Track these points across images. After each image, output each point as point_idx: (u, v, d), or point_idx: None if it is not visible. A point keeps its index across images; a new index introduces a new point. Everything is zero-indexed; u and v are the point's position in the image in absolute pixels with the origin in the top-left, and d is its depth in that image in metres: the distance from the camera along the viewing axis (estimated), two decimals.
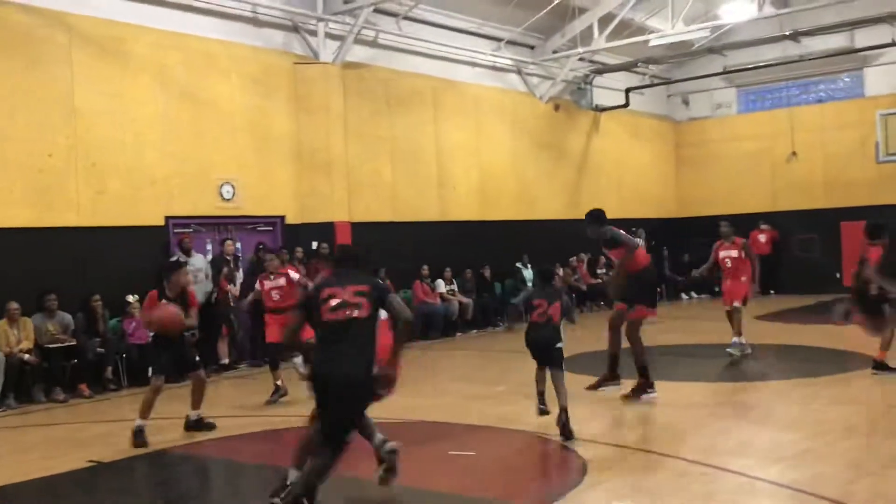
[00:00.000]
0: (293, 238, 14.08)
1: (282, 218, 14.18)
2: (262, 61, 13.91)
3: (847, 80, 21.12)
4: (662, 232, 21.71)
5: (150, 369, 8.16)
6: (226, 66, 13.38)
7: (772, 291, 20.36)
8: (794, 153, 21.26)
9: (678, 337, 14.41)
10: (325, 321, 4.93)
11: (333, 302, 4.91)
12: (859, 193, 20.01)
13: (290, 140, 14.21)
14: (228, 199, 13.22)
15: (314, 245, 14.15)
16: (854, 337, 13.63)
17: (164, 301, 7.91)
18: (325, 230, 14.34)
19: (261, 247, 13.12)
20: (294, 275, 9.89)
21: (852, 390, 8.93)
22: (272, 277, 9.85)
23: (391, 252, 15.14)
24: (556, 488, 5.73)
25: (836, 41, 19.78)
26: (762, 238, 21.02)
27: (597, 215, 9.01)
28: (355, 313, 4.90)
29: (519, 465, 6.74)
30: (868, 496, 5.24)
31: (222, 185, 13.14)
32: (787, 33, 18.97)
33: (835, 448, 6.50)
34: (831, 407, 8.07)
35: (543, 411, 7.70)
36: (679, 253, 21.25)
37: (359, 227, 14.83)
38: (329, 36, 14.68)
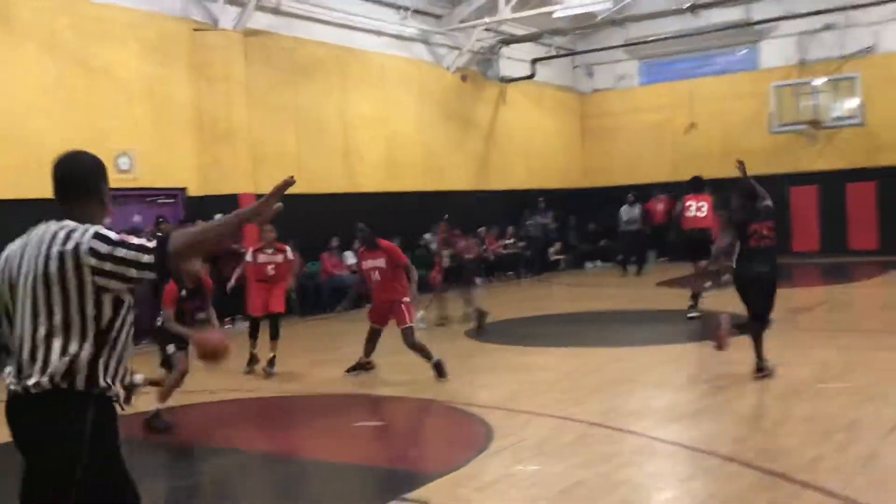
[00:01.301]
0: (196, 211, 13.71)
1: (183, 190, 13.79)
2: (160, 27, 13.40)
3: (743, 52, 21.80)
4: (569, 201, 22.09)
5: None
6: (120, 33, 12.83)
7: (666, 258, 21.14)
8: (693, 124, 21.86)
9: (582, 304, 14.75)
10: (751, 247, 7.60)
11: (757, 235, 7.60)
12: (754, 163, 20.47)
13: (190, 109, 13.78)
14: (126, 171, 12.75)
15: (217, 217, 13.81)
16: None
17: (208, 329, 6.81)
18: (229, 202, 13.94)
19: (160, 220, 12.76)
20: (291, 254, 9.71)
21: (746, 352, 9.28)
22: (268, 252, 9.59)
23: (298, 224, 14.94)
24: (462, 454, 5.78)
25: (733, 14, 20.36)
26: (659, 207, 21.64)
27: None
28: (769, 243, 7.63)
29: (426, 433, 6.80)
30: (757, 452, 5.48)
31: (119, 157, 12.64)
32: (686, 6, 19.41)
33: (729, 407, 6.78)
34: (724, 367, 8.39)
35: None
36: (584, 222, 21.66)
37: None
38: (229, 2, 14.24)
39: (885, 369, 7.63)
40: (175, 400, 8.19)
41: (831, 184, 19.57)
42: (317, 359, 10.70)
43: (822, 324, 11.30)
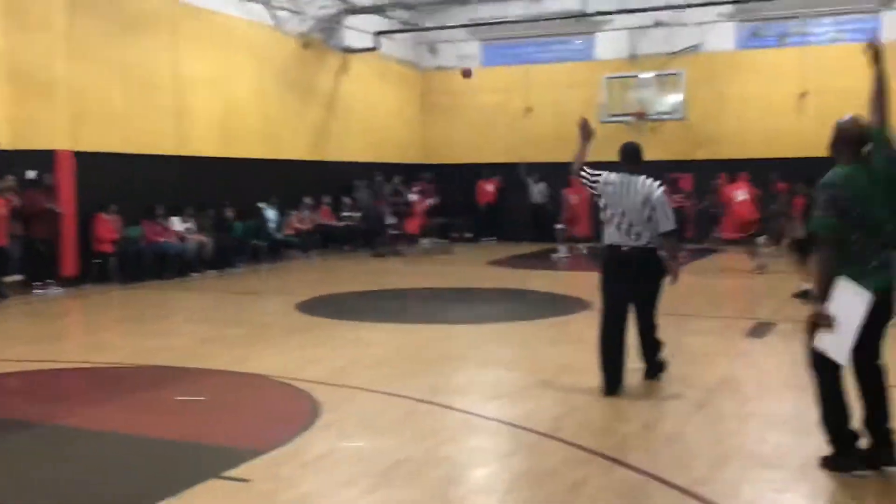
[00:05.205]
0: (5, 166, 12.69)
1: None
2: None
3: (579, 43, 22.56)
4: (407, 177, 22.17)
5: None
6: None
7: (493, 238, 21.89)
8: (529, 108, 22.45)
9: (415, 280, 14.88)
10: None
11: None
12: None
13: (1, 59, 12.69)
14: None
15: (30, 174, 12.85)
16: (571, 282, 14.82)
17: None
18: (44, 158, 13.06)
19: None
20: None
21: (569, 331, 9.69)
22: None
23: (121, 186, 14.19)
24: (287, 431, 5.68)
25: (571, 4, 21.01)
26: (489, 187, 22.19)
27: None
28: None
29: (250, 408, 6.62)
30: (575, 429, 5.71)
31: None
32: None
33: (549, 385, 7.02)
34: (548, 347, 8.71)
35: None
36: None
37: (84, 157, 13.67)
38: None
39: (690, 353, 8.14)
40: None
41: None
42: (133, 329, 10.21)
43: None
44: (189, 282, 14.45)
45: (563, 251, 18.08)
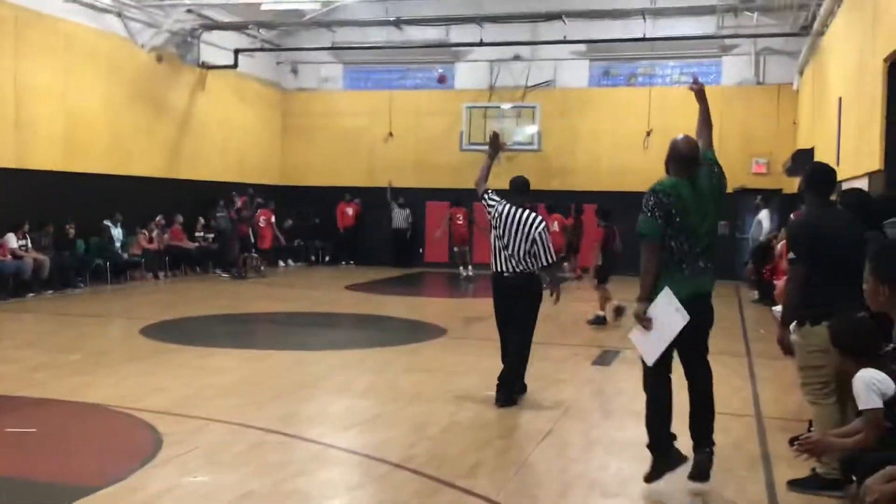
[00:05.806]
0: None
1: None
2: None
3: (440, 71, 22.92)
4: (265, 198, 21.74)
5: None
6: None
7: (352, 262, 21.82)
8: (391, 134, 22.58)
9: (269, 304, 14.58)
10: None
11: None
12: (444, 177, 21.88)
13: None
14: None
15: None
16: (428, 308, 14.93)
17: None
18: None
19: None
20: None
21: (423, 358, 9.72)
22: None
23: None
24: (125, 465, 5.40)
25: (433, 34, 21.34)
26: (349, 211, 22.13)
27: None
28: None
29: (86, 441, 6.25)
30: (427, 458, 5.72)
31: None
32: (391, 19, 20.02)
33: (403, 413, 7.01)
34: (403, 374, 8.71)
35: None
36: (281, 219, 21.48)
37: None
38: None
39: (539, 379, 8.31)
40: None
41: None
42: None
43: (493, 333, 12.11)
44: (24, 303, 13.57)
45: (465, 271, 19.08)
